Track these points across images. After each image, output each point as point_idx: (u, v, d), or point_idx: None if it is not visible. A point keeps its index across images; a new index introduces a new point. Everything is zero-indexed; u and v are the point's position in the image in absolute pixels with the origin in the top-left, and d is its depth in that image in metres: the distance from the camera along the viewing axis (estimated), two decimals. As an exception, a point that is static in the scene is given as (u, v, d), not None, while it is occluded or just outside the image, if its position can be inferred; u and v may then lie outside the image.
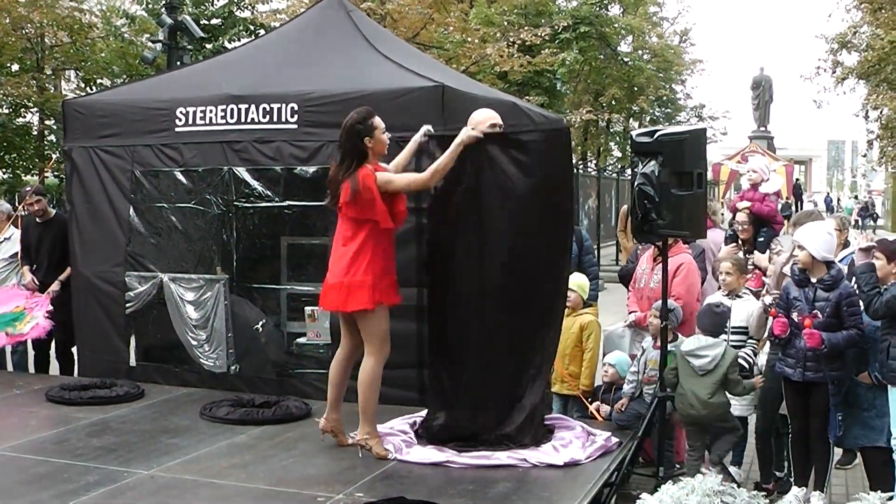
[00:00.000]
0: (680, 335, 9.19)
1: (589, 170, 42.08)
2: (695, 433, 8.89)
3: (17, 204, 12.88)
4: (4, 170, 36.03)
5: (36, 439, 8.90)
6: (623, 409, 9.16)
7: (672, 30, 56.08)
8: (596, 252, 18.72)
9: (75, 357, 12.27)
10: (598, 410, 9.48)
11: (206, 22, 32.06)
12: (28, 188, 13.16)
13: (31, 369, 12.78)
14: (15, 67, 34.75)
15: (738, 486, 7.31)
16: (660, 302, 8.98)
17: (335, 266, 8.35)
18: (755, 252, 10.70)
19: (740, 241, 10.93)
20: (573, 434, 8.51)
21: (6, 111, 33.95)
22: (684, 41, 56.52)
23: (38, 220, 12.49)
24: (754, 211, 11.11)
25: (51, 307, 11.85)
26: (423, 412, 8.96)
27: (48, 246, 12.34)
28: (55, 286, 12.18)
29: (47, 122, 34.99)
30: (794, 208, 45.65)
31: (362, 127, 8.36)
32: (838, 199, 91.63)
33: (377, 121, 8.42)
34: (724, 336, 9.01)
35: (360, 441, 8.33)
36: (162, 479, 7.65)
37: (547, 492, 7.35)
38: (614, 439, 8.53)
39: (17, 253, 12.54)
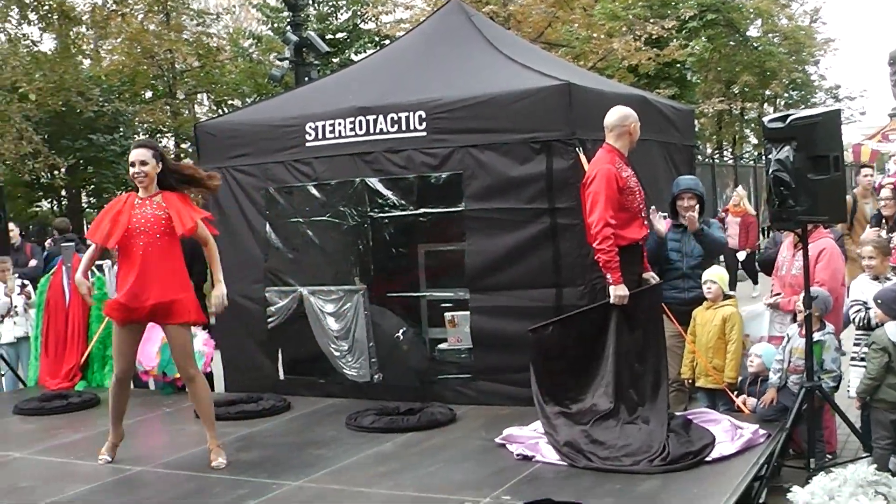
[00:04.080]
0: (828, 323, 8.99)
1: (725, 159, 41.57)
2: (889, 421, 8.66)
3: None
4: (144, 195, 36.74)
5: (186, 455, 9.04)
6: (773, 403, 8.97)
7: (802, 10, 54.98)
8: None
9: (212, 372, 12.48)
10: (744, 403, 9.33)
11: (332, 36, 32.40)
12: None
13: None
14: (148, 95, 35.53)
15: (894, 476, 7.11)
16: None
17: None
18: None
19: (884, 220, 10.68)
20: (720, 428, 8.35)
21: (143, 137, 34.71)
22: (815, 21, 55.34)
23: None
24: None
25: (205, 336, 12.02)
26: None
27: None
28: None
29: (183, 146, 35.68)
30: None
31: None
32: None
33: (131, 151, 8.69)
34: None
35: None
36: (310, 490, 7.72)
37: (696, 488, 7.23)
38: (762, 432, 8.33)
39: None
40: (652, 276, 9.39)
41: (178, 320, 8.61)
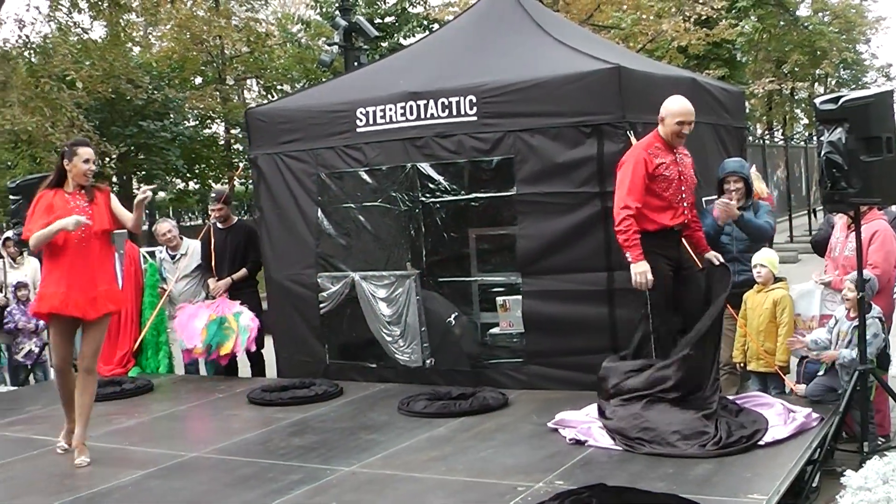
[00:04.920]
0: (875, 305, 8.92)
1: (776, 140, 41.26)
2: None
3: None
4: (195, 180, 37.01)
5: (240, 441, 9.11)
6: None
7: (852, -12, 54.42)
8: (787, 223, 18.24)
9: (264, 358, 12.57)
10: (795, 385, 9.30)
11: (380, 20, 32.39)
12: (213, 193, 13.40)
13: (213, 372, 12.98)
14: (198, 80, 35.69)
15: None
16: (853, 274, 8.74)
17: None
18: None
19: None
20: (773, 412, 8.30)
21: (193, 123, 34.88)
22: (866, -1, 54.72)
23: (220, 225, 12.65)
24: None
25: (251, 314, 12.14)
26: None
27: (230, 252, 12.48)
28: (225, 282, 12.42)
29: (232, 132, 35.85)
30: None
31: (66, 150, 8.96)
32: None
33: (81, 150, 8.86)
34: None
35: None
36: (363, 475, 7.75)
37: (748, 472, 7.19)
38: (815, 415, 8.28)
39: (199, 265, 12.73)
40: (715, 256, 9.28)
41: (105, 311, 8.88)
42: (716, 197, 10.22)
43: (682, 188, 8.94)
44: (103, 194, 8.99)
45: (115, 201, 9.04)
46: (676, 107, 8.82)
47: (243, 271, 12.45)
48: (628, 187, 8.68)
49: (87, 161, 8.79)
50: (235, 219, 13.02)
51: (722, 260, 9.27)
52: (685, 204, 9.00)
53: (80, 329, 8.86)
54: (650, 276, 8.64)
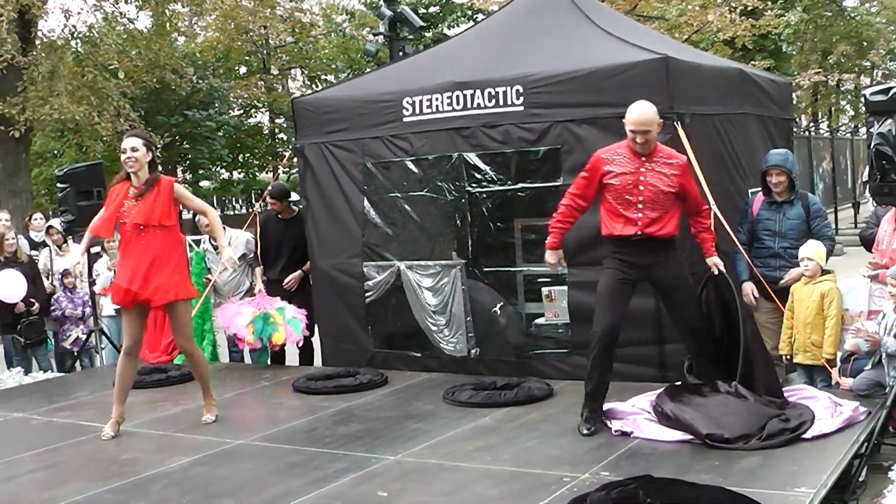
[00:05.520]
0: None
1: (821, 131, 40.99)
2: None
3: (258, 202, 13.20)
4: (239, 169, 37.15)
5: (286, 429, 9.15)
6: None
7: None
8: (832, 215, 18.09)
9: (314, 347, 12.59)
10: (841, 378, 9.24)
11: (424, 10, 32.39)
12: (270, 188, 13.42)
13: (269, 361, 13.06)
14: (243, 70, 35.84)
15: None
16: (894, 268, 8.68)
17: None
18: None
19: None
20: (820, 405, 8.24)
21: (237, 113, 35.02)
22: (914, -11, 54.28)
23: (279, 216, 12.68)
24: None
25: (302, 311, 12.17)
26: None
27: (290, 243, 12.49)
28: (297, 275, 12.46)
29: (277, 121, 35.96)
30: None
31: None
32: None
33: (123, 142, 9.27)
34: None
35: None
36: (408, 464, 7.76)
37: (794, 465, 7.14)
38: (862, 409, 8.18)
39: (244, 255, 12.66)
40: (715, 265, 8.83)
41: (168, 299, 9.19)
42: (759, 190, 10.16)
43: (640, 199, 8.39)
44: (163, 188, 9.17)
45: (179, 191, 9.33)
46: (629, 114, 8.38)
47: (309, 264, 12.43)
48: (573, 183, 8.69)
49: (124, 151, 9.08)
50: (296, 209, 13.00)
51: (721, 269, 8.87)
52: (641, 216, 8.41)
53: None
54: (552, 263, 8.81)
